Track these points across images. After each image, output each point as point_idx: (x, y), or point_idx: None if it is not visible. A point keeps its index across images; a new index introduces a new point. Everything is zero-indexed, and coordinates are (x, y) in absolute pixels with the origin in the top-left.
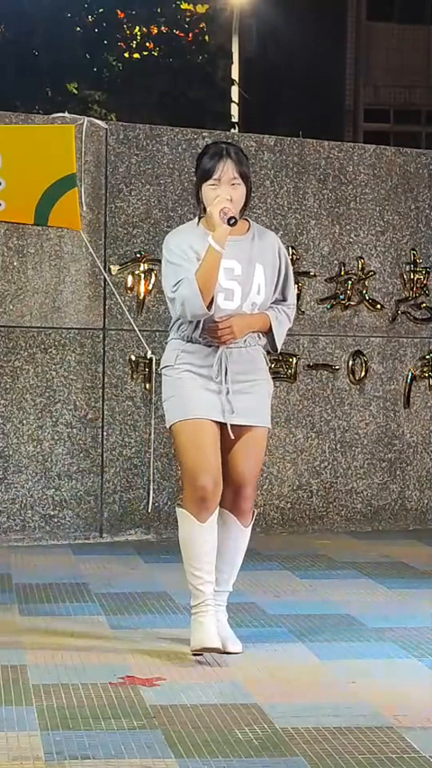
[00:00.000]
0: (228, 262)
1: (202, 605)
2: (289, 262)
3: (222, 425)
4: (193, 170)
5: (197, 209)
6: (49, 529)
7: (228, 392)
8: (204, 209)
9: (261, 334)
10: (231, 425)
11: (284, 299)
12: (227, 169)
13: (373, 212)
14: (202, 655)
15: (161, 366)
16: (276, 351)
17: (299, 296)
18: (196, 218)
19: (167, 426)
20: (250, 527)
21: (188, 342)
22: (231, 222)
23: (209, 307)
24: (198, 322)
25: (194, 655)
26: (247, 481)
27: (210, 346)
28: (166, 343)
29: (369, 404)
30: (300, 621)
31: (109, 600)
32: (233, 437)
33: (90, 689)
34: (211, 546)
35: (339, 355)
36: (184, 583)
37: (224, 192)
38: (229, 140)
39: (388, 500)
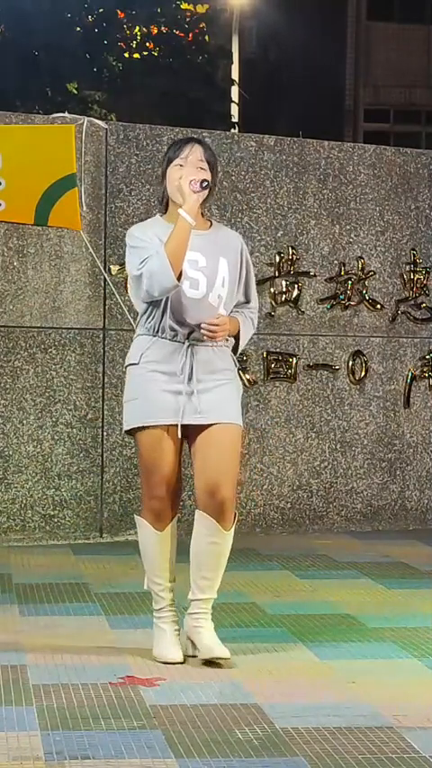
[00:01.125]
0: (191, 254)
1: (164, 611)
2: (250, 262)
3: (186, 427)
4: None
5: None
6: (49, 529)
7: (191, 392)
8: (167, 201)
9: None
10: (194, 426)
11: (248, 301)
12: (194, 151)
13: (373, 212)
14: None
15: (126, 363)
16: (237, 353)
17: (299, 296)
18: (157, 215)
19: (125, 429)
20: (232, 530)
21: (154, 336)
22: (204, 185)
23: (178, 278)
24: (165, 310)
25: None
26: (221, 482)
27: (176, 342)
28: (132, 339)
29: (369, 404)
30: (300, 621)
31: (109, 600)
32: (190, 435)
33: (90, 689)
34: (170, 553)
35: (339, 355)
36: (184, 583)
37: (189, 172)
38: (228, 140)
39: (388, 500)
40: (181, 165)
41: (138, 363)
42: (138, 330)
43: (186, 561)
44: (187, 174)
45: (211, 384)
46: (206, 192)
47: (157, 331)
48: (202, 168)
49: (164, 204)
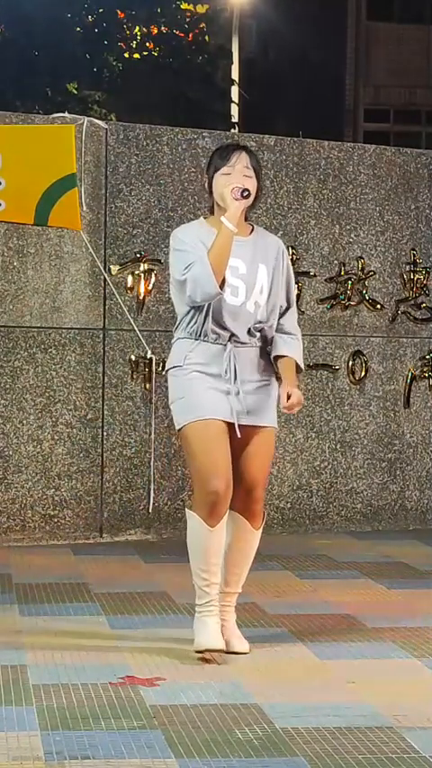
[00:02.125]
0: (232, 260)
1: (207, 605)
2: (290, 266)
3: (231, 426)
4: (193, 170)
5: (196, 210)
6: (49, 529)
7: (237, 392)
8: (213, 203)
9: (263, 340)
10: (240, 426)
11: (288, 306)
12: (241, 159)
13: (373, 212)
14: (203, 655)
15: (168, 367)
16: (301, 371)
17: (299, 296)
18: (201, 218)
19: (177, 429)
20: (261, 529)
21: (196, 339)
22: (245, 195)
23: (221, 286)
24: (207, 314)
25: (198, 653)
26: (258, 483)
27: (218, 344)
28: (172, 343)
29: (369, 404)
30: (300, 621)
31: (109, 600)
32: (239, 436)
33: (90, 689)
34: (219, 549)
35: (339, 355)
36: (184, 583)
37: (236, 179)
38: (228, 140)
39: (388, 500)
40: (228, 174)
41: (182, 366)
42: (177, 334)
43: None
44: (233, 181)
45: (254, 385)
46: (248, 200)
47: (200, 335)
48: (247, 176)
49: (210, 207)
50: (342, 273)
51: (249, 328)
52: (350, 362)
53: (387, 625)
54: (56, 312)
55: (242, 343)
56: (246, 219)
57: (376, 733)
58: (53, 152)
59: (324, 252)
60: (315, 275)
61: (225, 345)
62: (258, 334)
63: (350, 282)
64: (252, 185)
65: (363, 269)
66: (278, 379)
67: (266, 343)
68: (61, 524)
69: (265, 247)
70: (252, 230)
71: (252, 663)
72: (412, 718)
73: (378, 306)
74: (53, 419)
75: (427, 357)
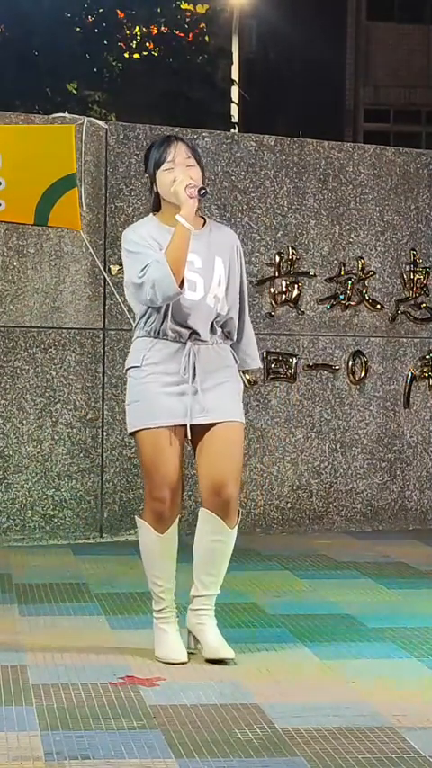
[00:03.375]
0: (188, 255)
1: (164, 612)
2: (243, 261)
3: (192, 427)
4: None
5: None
6: (49, 529)
7: (195, 391)
8: (158, 201)
9: (226, 335)
10: (199, 425)
11: (241, 315)
12: (179, 151)
13: (373, 212)
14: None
15: (126, 366)
16: (259, 365)
17: (299, 296)
18: (150, 215)
19: (128, 432)
20: (236, 528)
21: (155, 337)
22: (202, 193)
23: (180, 286)
24: (167, 313)
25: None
26: (226, 480)
27: (177, 342)
28: (132, 342)
29: (369, 404)
30: (300, 621)
31: (109, 600)
32: (189, 437)
33: (90, 689)
34: (171, 554)
35: (339, 355)
36: (184, 583)
37: (180, 173)
38: (228, 140)
39: (388, 500)
40: (171, 168)
41: (140, 366)
42: (136, 332)
43: (186, 561)
44: (181, 177)
45: (214, 382)
46: (204, 198)
47: (158, 334)
48: (190, 165)
49: (154, 205)
50: (342, 273)
51: (212, 323)
52: (350, 362)
53: (387, 625)
54: (56, 312)
55: (202, 341)
56: (195, 213)
57: (376, 733)
58: (53, 152)
59: (324, 252)
60: (315, 275)
61: (185, 343)
62: (220, 330)
63: (350, 282)
64: (197, 174)
65: (363, 269)
66: (286, 376)
67: (229, 339)
68: (61, 524)
69: (221, 240)
70: (204, 223)
71: (252, 663)
72: (412, 718)
73: (378, 306)
74: (53, 419)
75: (427, 357)
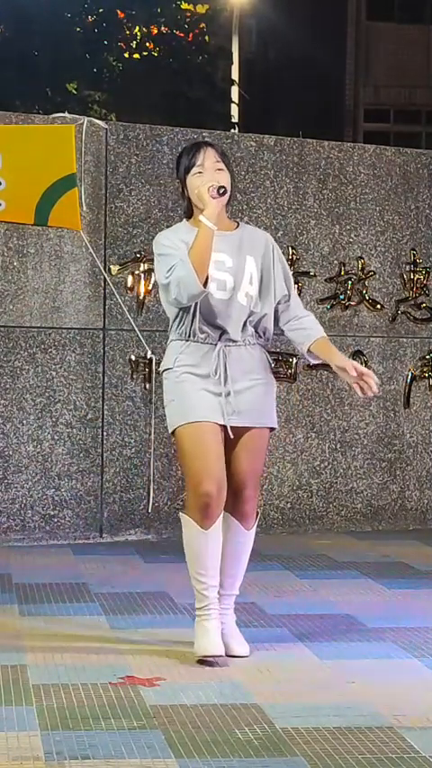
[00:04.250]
0: (217, 255)
1: (206, 609)
2: (283, 257)
3: (224, 427)
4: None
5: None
6: (49, 529)
7: (228, 393)
8: (189, 205)
9: (260, 335)
10: (232, 427)
11: (290, 294)
12: (208, 155)
13: (373, 212)
14: (206, 662)
15: (161, 369)
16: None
17: (299, 296)
18: (183, 221)
19: (169, 431)
20: (254, 530)
21: (187, 340)
22: (222, 192)
23: (204, 285)
24: (195, 314)
25: (199, 662)
26: (248, 483)
27: (207, 344)
28: (166, 345)
29: (369, 404)
30: (300, 621)
31: (109, 600)
32: (232, 437)
33: (90, 689)
34: (215, 551)
35: None
36: (184, 583)
37: (209, 177)
38: (228, 140)
39: (388, 500)
40: (200, 173)
41: (172, 368)
42: (170, 336)
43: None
44: (207, 180)
45: (246, 384)
46: (225, 197)
47: (189, 335)
48: (219, 169)
49: (186, 211)
50: (342, 273)
51: (245, 323)
52: None
53: (387, 625)
54: (56, 312)
55: (233, 341)
56: (228, 217)
57: (376, 733)
58: (53, 152)
59: (324, 252)
60: (315, 275)
61: (215, 345)
62: (253, 330)
63: (350, 282)
64: (226, 179)
65: (363, 269)
66: (286, 376)
67: (262, 340)
68: (61, 524)
69: (252, 240)
70: (237, 226)
71: (252, 663)
72: (412, 718)
73: (378, 306)
74: (53, 419)
75: (427, 357)
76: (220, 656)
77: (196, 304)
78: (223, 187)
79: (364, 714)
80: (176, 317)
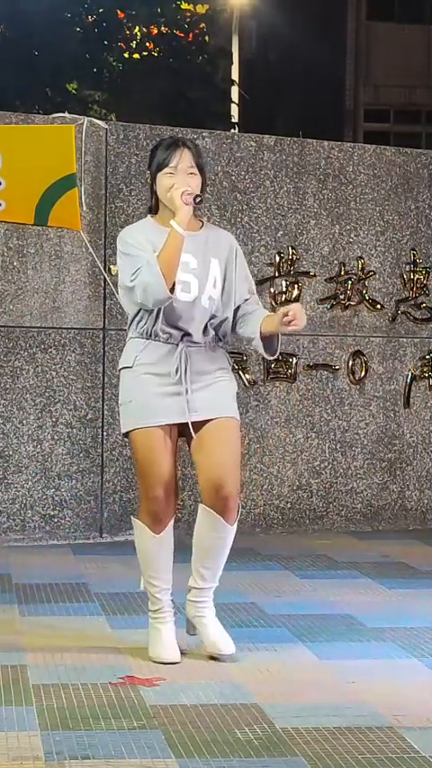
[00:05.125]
0: (183, 255)
1: (160, 612)
2: (243, 258)
3: (184, 427)
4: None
5: (196, 210)
6: (49, 529)
7: (186, 391)
8: (157, 201)
9: (220, 337)
10: (194, 423)
11: (251, 294)
12: (184, 158)
13: (373, 212)
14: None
15: (119, 367)
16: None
17: (299, 296)
18: (148, 216)
19: (122, 432)
20: (236, 524)
21: (147, 339)
22: (198, 201)
23: (171, 290)
24: (158, 314)
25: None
26: (225, 476)
27: (169, 344)
28: (125, 342)
29: (369, 404)
30: (300, 621)
31: (109, 600)
32: (194, 434)
33: (90, 689)
34: (167, 555)
35: (339, 355)
36: (183, 583)
37: (180, 180)
38: (228, 140)
39: (388, 500)
40: (171, 174)
41: (131, 367)
42: (129, 333)
43: (184, 561)
44: (179, 183)
45: (206, 382)
46: (200, 205)
47: (150, 335)
48: (192, 173)
49: (153, 206)
50: (342, 273)
51: (206, 325)
52: (350, 362)
53: (387, 625)
54: (56, 312)
55: (195, 342)
56: (194, 215)
57: (376, 733)
58: (53, 152)
59: (324, 252)
60: (315, 275)
61: (177, 345)
62: (213, 333)
63: (350, 282)
64: (196, 184)
65: (363, 269)
66: (286, 376)
67: (222, 341)
68: (61, 524)
69: (217, 242)
70: (202, 225)
71: (252, 663)
72: (412, 719)
73: (378, 306)
74: (53, 419)
75: (427, 357)
76: (176, 662)
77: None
78: (200, 196)
79: (364, 714)
80: (137, 315)
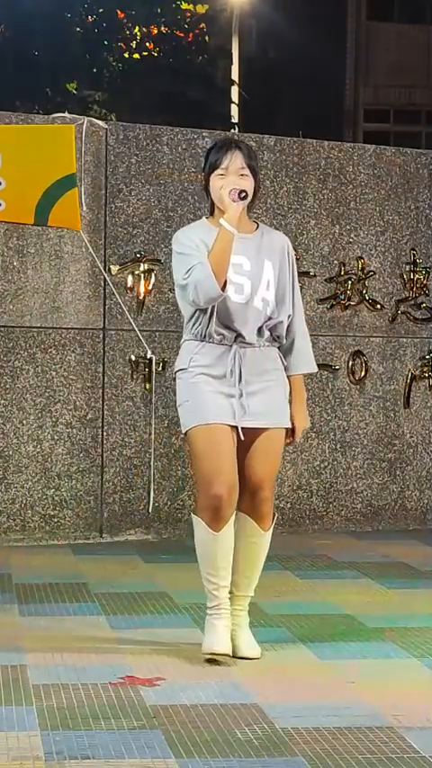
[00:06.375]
0: (236, 258)
1: (217, 608)
2: (295, 264)
3: (236, 429)
4: (193, 170)
5: (196, 210)
6: (49, 529)
7: (241, 394)
8: (212, 203)
9: (275, 338)
10: (244, 428)
11: (293, 313)
12: (235, 159)
13: (373, 212)
14: (213, 661)
15: (175, 369)
16: (315, 369)
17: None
18: (203, 218)
19: (183, 431)
20: (271, 530)
21: (201, 341)
22: (243, 196)
23: (223, 288)
24: (212, 315)
25: (207, 660)
26: (263, 484)
27: (223, 345)
28: (180, 345)
29: (369, 404)
30: (300, 621)
31: (109, 600)
32: (243, 439)
33: (90, 689)
34: (226, 553)
35: (339, 355)
36: (184, 583)
37: (231, 181)
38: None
39: (388, 500)
40: (222, 175)
41: (187, 368)
42: (184, 335)
43: (187, 561)
44: (228, 183)
45: (260, 386)
46: (246, 201)
47: (204, 336)
48: (243, 175)
49: (210, 208)
50: (342, 273)
51: (260, 327)
52: (350, 362)
53: (387, 625)
54: (56, 312)
55: (248, 343)
56: (249, 218)
57: (376, 733)
58: (53, 152)
59: (324, 252)
60: (315, 275)
61: (230, 346)
62: (268, 334)
63: (350, 282)
64: (249, 185)
65: (363, 269)
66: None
67: (277, 342)
68: (61, 524)
69: (271, 243)
70: (257, 228)
71: (252, 663)
72: (412, 719)
73: (378, 306)
74: (53, 419)
75: (427, 357)
76: (227, 654)
77: (213, 306)
78: (244, 191)
79: (364, 714)
80: (192, 316)
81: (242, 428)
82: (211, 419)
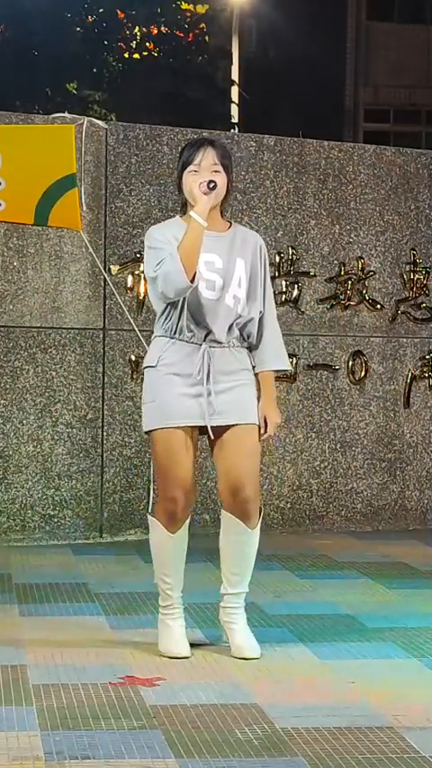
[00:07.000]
0: (208, 255)
1: (170, 608)
2: (268, 264)
3: (204, 429)
4: None
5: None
6: (49, 529)
7: (209, 393)
8: (185, 202)
9: (244, 338)
10: (213, 427)
11: (264, 311)
12: (207, 156)
13: (373, 212)
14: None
15: (143, 365)
16: (287, 367)
17: (299, 296)
18: (177, 216)
19: (144, 431)
20: (258, 527)
21: (172, 337)
22: (212, 186)
23: (192, 281)
24: (183, 310)
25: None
26: (245, 482)
27: (193, 343)
28: (151, 340)
29: (369, 404)
30: (300, 621)
31: (109, 600)
32: (212, 437)
33: (90, 689)
34: (181, 554)
35: (339, 355)
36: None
37: (204, 177)
38: (228, 140)
39: (388, 500)
40: (195, 171)
41: (155, 366)
42: (155, 331)
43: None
44: (201, 179)
45: (229, 384)
46: (216, 192)
47: (175, 332)
48: (216, 171)
49: (182, 205)
50: (342, 273)
51: (231, 325)
52: (350, 362)
53: (387, 625)
54: (56, 312)
55: (218, 342)
56: (222, 216)
57: (376, 733)
58: (53, 152)
59: (324, 252)
60: (315, 275)
61: (200, 345)
62: (238, 333)
63: (350, 282)
64: (221, 180)
65: (363, 269)
66: (285, 376)
67: (247, 342)
68: (61, 524)
69: (244, 241)
70: (230, 226)
71: (252, 663)
72: (412, 719)
73: (378, 306)
74: (53, 419)
75: (427, 357)
76: (185, 656)
77: (184, 301)
78: (213, 181)
79: (364, 714)
80: (163, 312)
81: (211, 426)
82: (174, 423)
